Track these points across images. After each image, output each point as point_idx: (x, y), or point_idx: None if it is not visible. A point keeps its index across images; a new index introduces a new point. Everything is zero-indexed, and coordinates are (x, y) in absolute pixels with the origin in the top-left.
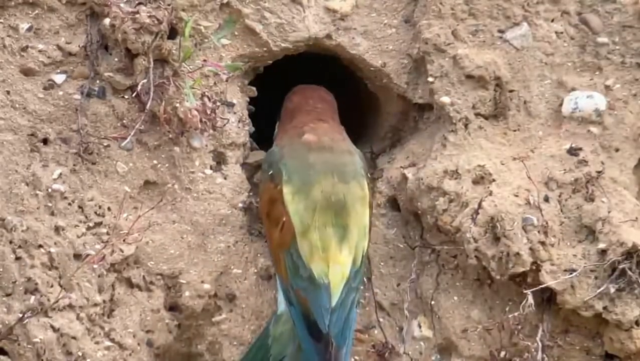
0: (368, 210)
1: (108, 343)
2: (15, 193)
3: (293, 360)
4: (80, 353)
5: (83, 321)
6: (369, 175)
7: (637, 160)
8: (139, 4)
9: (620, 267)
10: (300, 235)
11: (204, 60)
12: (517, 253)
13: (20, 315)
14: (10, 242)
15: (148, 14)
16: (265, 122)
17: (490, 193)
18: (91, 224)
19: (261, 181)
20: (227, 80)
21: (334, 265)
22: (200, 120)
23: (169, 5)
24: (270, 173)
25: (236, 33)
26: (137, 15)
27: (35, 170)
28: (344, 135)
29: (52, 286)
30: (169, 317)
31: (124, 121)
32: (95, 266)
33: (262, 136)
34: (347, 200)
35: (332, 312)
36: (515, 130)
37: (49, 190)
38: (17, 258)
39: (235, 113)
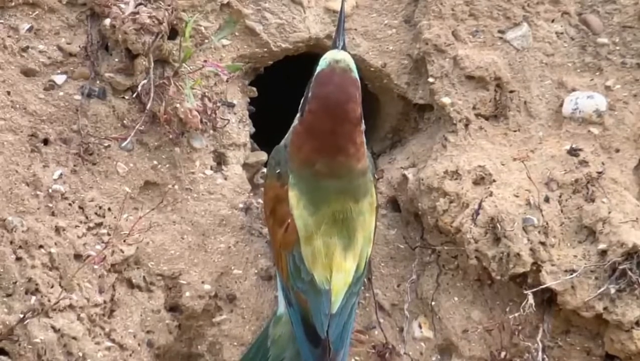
0: (375, 215)
1: (108, 343)
2: (15, 194)
3: None
4: (80, 354)
5: (83, 321)
6: (375, 176)
7: (637, 161)
8: (140, 4)
9: (621, 267)
10: (304, 239)
11: (205, 61)
12: (518, 254)
13: (21, 316)
14: (11, 243)
15: (148, 15)
16: (265, 122)
17: (491, 194)
18: (92, 225)
19: (267, 176)
20: (227, 81)
21: (338, 273)
22: (201, 121)
23: (169, 5)
24: (277, 171)
25: (236, 33)
26: (138, 16)
27: (35, 170)
28: (361, 152)
29: (52, 286)
30: (169, 318)
31: (125, 121)
32: (95, 266)
33: (263, 136)
34: (354, 213)
35: (331, 318)
36: (515, 131)
37: (50, 190)
38: (18, 259)
39: (235, 113)
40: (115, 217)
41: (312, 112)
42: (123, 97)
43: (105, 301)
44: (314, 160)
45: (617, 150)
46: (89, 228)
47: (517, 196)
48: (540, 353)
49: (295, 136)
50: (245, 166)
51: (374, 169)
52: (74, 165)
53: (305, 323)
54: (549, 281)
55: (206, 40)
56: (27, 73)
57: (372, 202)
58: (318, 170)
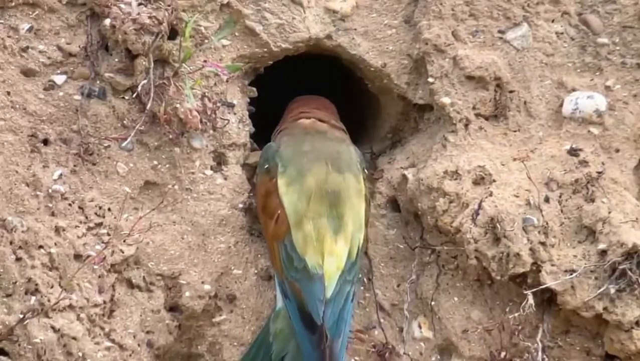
0: (364, 203)
1: (108, 343)
2: (15, 194)
3: (294, 356)
4: (80, 354)
5: (83, 321)
6: (365, 170)
7: (637, 161)
8: (140, 4)
9: (621, 267)
10: (295, 225)
11: (205, 61)
12: (518, 254)
13: (21, 316)
14: (11, 243)
15: (148, 15)
16: (265, 122)
17: (491, 194)
18: (91, 225)
19: (258, 175)
20: (227, 81)
21: (329, 256)
22: (201, 121)
23: (169, 5)
24: (266, 167)
25: (236, 34)
26: (138, 16)
27: (35, 170)
28: (340, 125)
29: (52, 287)
30: (169, 318)
31: (125, 122)
32: (95, 267)
33: (262, 136)
34: (341, 190)
35: (326, 304)
36: (515, 131)
37: (50, 190)
38: (18, 259)
39: (235, 113)
40: (115, 217)
41: (291, 106)
42: (123, 97)
43: (105, 302)
44: (300, 112)
45: (617, 150)
46: (88, 228)
47: (517, 196)
48: (540, 353)
49: (279, 123)
50: (245, 166)
51: (364, 162)
52: (74, 165)
53: (301, 312)
54: (549, 281)
55: (206, 40)
56: (27, 73)
57: (360, 189)
58: (303, 123)
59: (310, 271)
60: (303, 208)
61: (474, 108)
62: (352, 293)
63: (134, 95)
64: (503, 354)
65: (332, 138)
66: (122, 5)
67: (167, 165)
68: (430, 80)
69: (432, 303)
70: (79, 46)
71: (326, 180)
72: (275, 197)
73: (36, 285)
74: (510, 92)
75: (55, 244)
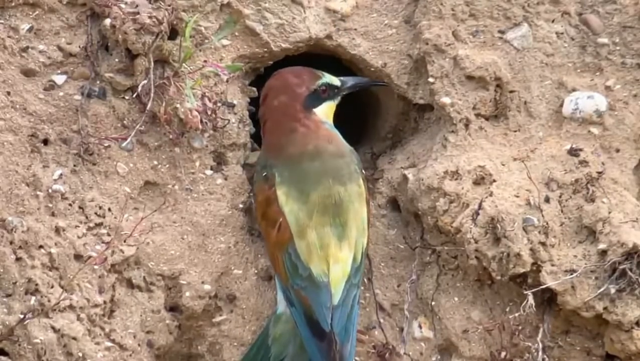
0: (365, 205)
1: (108, 343)
2: (15, 194)
3: (293, 359)
4: (80, 354)
5: (83, 322)
6: (362, 171)
7: (637, 161)
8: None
9: (621, 267)
10: (297, 234)
11: (205, 61)
12: (518, 254)
13: (21, 316)
14: (11, 243)
15: (148, 15)
16: None
17: (491, 194)
18: (92, 225)
19: (255, 182)
20: (227, 81)
21: (335, 264)
22: (201, 121)
23: (169, 5)
24: (264, 174)
25: (237, 34)
26: (138, 16)
27: (35, 170)
28: (323, 132)
29: (52, 287)
30: (169, 318)
31: (125, 122)
32: (95, 267)
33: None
34: (344, 199)
35: (334, 310)
36: (515, 131)
37: (50, 190)
38: (18, 259)
39: (235, 113)
40: (115, 217)
41: (261, 103)
42: (123, 97)
43: (105, 302)
44: (279, 136)
45: (617, 150)
46: (89, 229)
47: (517, 196)
48: (540, 353)
49: (262, 129)
50: (245, 166)
51: (360, 163)
52: (74, 165)
53: (309, 320)
54: (549, 282)
55: (206, 40)
56: (27, 73)
57: (362, 192)
58: (291, 152)
59: (316, 280)
60: (306, 218)
61: (474, 108)
62: (358, 295)
63: (134, 95)
64: (503, 354)
65: (328, 157)
66: (123, 5)
67: (167, 165)
68: (431, 80)
69: (433, 303)
70: (79, 46)
71: (329, 193)
72: (275, 205)
73: (36, 285)
74: (511, 92)
75: (56, 244)
